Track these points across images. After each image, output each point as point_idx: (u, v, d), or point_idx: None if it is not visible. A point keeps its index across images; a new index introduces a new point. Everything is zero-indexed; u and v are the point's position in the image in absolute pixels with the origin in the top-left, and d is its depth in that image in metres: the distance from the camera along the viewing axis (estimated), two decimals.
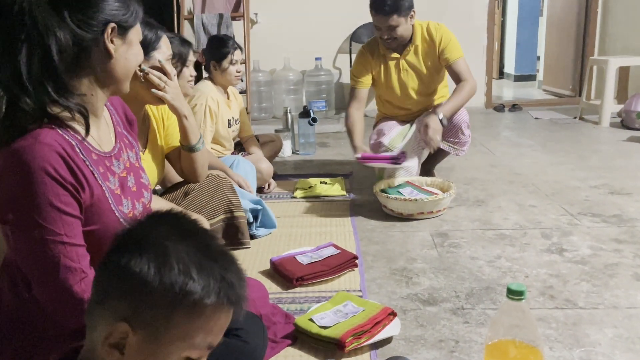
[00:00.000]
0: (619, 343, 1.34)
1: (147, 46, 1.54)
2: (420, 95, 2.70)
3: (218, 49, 2.65)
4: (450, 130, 2.60)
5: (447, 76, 2.71)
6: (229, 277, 0.69)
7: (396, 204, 2.27)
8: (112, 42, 0.99)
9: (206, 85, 2.62)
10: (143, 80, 1.54)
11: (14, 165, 0.90)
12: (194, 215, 1.53)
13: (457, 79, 2.59)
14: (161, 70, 1.58)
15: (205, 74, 2.80)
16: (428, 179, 2.54)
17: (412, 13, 2.53)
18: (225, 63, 2.61)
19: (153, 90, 1.57)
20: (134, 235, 0.70)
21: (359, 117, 2.68)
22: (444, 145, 2.66)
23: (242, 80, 4.43)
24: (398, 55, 2.64)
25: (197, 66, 2.88)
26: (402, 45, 2.61)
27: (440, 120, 2.45)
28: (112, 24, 0.98)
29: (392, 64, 2.67)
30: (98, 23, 0.96)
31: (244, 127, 2.83)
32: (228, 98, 2.71)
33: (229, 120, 2.64)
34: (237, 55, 2.66)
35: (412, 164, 2.64)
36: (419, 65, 2.64)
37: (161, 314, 0.66)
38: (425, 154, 2.86)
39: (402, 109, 2.75)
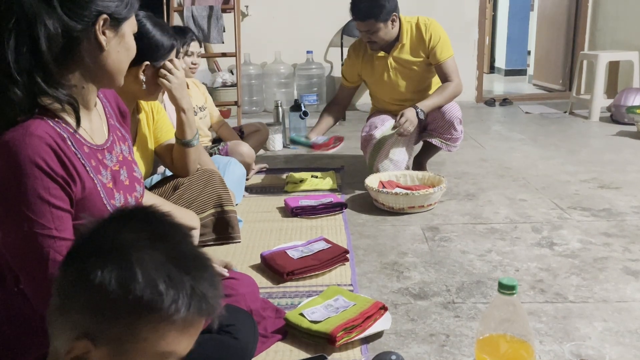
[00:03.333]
0: (609, 336, 1.35)
1: (162, 54, 1.56)
2: (412, 92, 2.68)
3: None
4: (443, 126, 2.60)
5: None
6: (200, 289, 0.63)
7: (387, 198, 2.27)
8: (103, 34, 0.97)
9: None
10: (143, 78, 1.54)
11: (3, 157, 0.88)
12: (179, 211, 1.52)
13: (444, 79, 2.58)
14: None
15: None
16: (419, 173, 2.54)
17: (393, 17, 2.49)
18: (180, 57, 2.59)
19: (160, 79, 1.58)
20: (97, 239, 0.63)
21: (332, 112, 2.73)
22: (436, 141, 2.66)
23: (228, 72, 4.40)
24: (385, 54, 2.63)
25: None
26: (389, 44, 2.59)
27: (417, 113, 2.46)
28: (104, 15, 0.96)
29: (380, 62, 2.65)
30: (89, 13, 0.94)
31: (212, 115, 2.86)
32: (187, 87, 2.70)
33: (194, 106, 2.67)
34: (194, 47, 2.61)
35: (402, 158, 2.64)
36: (408, 63, 2.62)
37: (126, 329, 0.61)
38: (417, 148, 2.86)
39: (394, 104, 2.74)
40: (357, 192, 2.58)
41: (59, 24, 0.91)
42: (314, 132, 2.65)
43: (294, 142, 2.63)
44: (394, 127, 2.49)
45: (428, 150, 2.83)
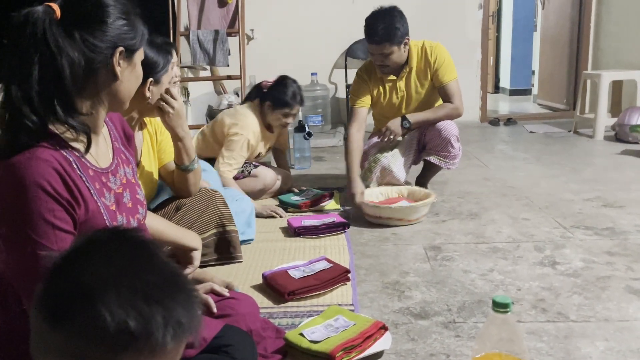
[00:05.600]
0: (610, 356, 1.34)
1: (159, 70, 1.57)
2: (423, 110, 2.70)
3: (282, 98, 2.65)
4: (440, 144, 2.62)
5: None
6: (174, 318, 0.59)
7: (373, 210, 2.36)
8: (119, 64, 1.01)
9: (252, 120, 2.66)
10: (149, 95, 1.58)
11: (9, 179, 0.91)
12: (181, 232, 1.53)
13: (446, 100, 2.64)
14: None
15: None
16: (405, 189, 2.61)
17: (406, 40, 2.54)
18: (282, 114, 2.67)
19: (159, 105, 1.61)
20: (62, 281, 0.59)
21: (359, 139, 2.69)
22: (434, 159, 2.69)
23: (234, 94, 4.47)
24: (395, 78, 2.67)
25: (258, 87, 2.81)
26: (399, 67, 2.63)
27: (402, 123, 2.57)
28: (121, 48, 1.01)
29: (389, 86, 2.69)
30: (107, 46, 0.99)
31: (279, 142, 2.96)
32: (272, 132, 2.78)
33: (260, 152, 2.78)
34: (295, 111, 2.70)
35: (399, 173, 2.67)
36: (416, 86, 2.67)
37: None
38: (419, 168, 2.89)
39: None
40: (360, 211, 2.59)
41: (82, 57, 0.96)
42: (355, 172, 2.61)
43: (282, 202, 2.67)
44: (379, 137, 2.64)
45: (429, 170, 2.86)
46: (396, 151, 2.69)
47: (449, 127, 2.60)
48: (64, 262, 0.61)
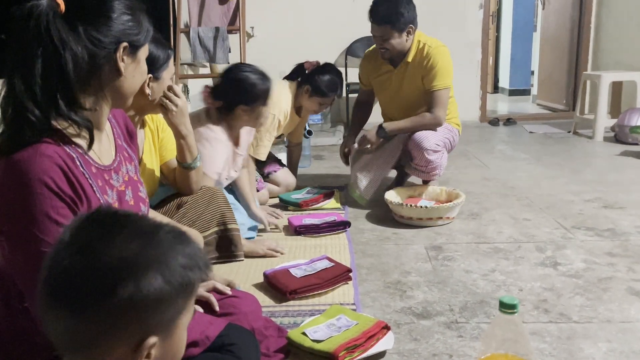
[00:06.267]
0: (613, 357, 1.34)
1: (160, 66, 1.56)
2: (415, 107, 2.65)
3: (323, 87, 2.64)
4: (417, 155, 2.56)
5: (452, 93, 2.69)
6: (201, 249, 0.72)
7: (407, 211, 2.34)
8: (122, 60, 1.01)
9: (285, 100, 2.62)
10: (149, 91, 1.56)
11: (13, 175, 0.90)
12: (183, 228, 1.53)
13: (428, 107, 2.56)
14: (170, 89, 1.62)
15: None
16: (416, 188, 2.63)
17: (409, 29, 2.50)
18: (318, 102, 2.67)
19: (162, 102, 1.60)
20: (118, 261, 0.64)
21: (361, 112, 2.88)
22: (413, 172, 2.69)
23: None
24: (392, 69, 2.65)
25: (301, 68, 2.81)
26: (398, 58, 2.61)
27: (378, 132, 2.58)
28: (125, 43, 1.00)
29: (385, 76, 2.69)
30: (111, 41, 0.98)
31: (295, 134, 2.97)
32: (300, 116, 2.77)
33: (282, 133, 2.77)
34: (331, 101, 2.71)
35: (377, 175, 2.66)
36: (409, 82, 2.63)
37: (173, 312, 0.67)
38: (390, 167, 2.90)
39: (399, 114, 2.76)
40: (361, 210, 2.59)
41: (85, 51, 0.95)
42: (352, 134, 2.77)
43: (282, 201, 2.66)
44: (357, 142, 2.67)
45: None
46: (365, 169, 2.65)
47: (424, 141, 2.51)
48: (88, 248, 0.65)
